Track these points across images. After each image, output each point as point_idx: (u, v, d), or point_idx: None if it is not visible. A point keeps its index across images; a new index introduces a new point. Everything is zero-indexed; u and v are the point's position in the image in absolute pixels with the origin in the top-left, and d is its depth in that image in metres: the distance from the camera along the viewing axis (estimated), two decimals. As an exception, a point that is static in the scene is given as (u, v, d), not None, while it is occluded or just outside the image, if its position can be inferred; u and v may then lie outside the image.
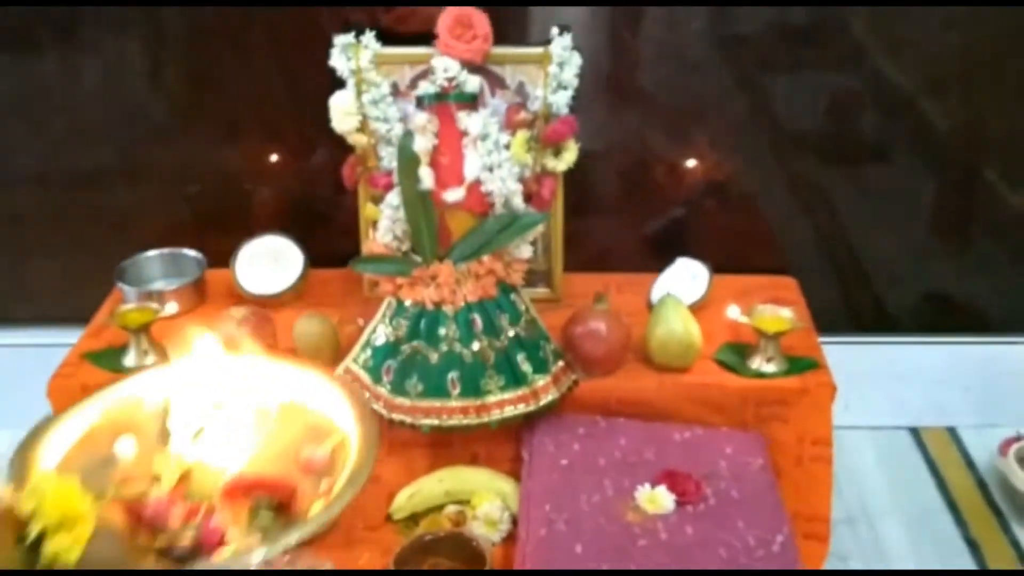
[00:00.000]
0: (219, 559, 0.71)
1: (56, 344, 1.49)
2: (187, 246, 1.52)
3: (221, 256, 1.47)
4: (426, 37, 1.30)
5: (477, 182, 1.21)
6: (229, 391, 0.84)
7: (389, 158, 1.30)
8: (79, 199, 1.60)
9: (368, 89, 1.29)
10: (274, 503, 0.78)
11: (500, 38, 1.30)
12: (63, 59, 1.50)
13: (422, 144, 1.19)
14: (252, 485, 0.78)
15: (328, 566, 1.18)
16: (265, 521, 0.76)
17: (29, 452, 0.73)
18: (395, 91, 1.32)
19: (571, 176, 1.34)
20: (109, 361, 1.31)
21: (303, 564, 1.18)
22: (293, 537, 0.69)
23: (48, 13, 1.46)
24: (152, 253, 1.50)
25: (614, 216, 1.55)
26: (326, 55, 1.30)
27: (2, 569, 0.57)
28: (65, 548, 0.57)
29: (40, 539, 0.58)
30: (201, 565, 0.70)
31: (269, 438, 0.83)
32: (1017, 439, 1.49)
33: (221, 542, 0.73)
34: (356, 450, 0.77)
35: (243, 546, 0.72)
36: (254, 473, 0.79)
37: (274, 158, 1.56)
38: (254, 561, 0.69)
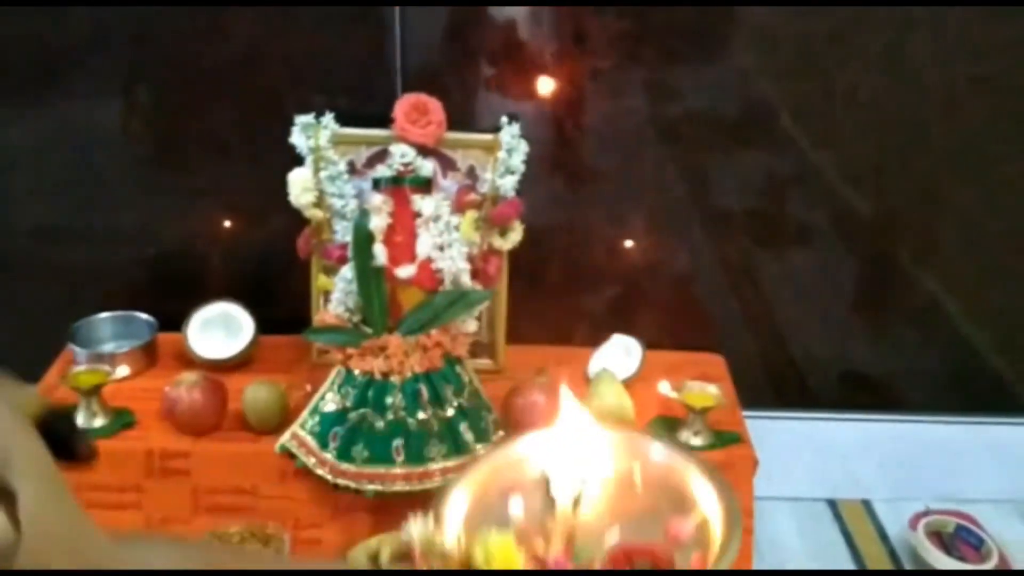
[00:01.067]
0: None
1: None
2: (139, 308, 1.55)
3: (171, 319, 1.50)
4: (383, 119, 1.38)
5: (428, 260, 1.28)
6: (600, 460, 0.89)
7: (343, 232, 1.37)
8: (32, 256, 1.62)
9: (326, 167, 1.36)
10: (653, 570, 0.81)
11: (453, 124, 1.38)
12: (28, 118, 1.53)
13: (377, 223, 1.26)
14: (634, 552, 0.81)
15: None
16: None
17: (442, 506, 0.78)
18: (351, 169, 1.39)
19: (515, 254, 1.42)
20: (58, 421, 1.33)
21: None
22: None
23: (13, 69, 1.50)
24: (104, 315, 1.53)
25: (554, 292, 1.62)
26: (286, 132, 1.37)
27: None
28: None
29: None
30: None
31: (637, 509, 0.87)
32: (926, 514, 1.59)
33: None
34: (721, 525, 0.81)
35: None
36: (637, 541, 0.83)
37: (229, 226, 1.61)
38: None
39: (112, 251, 1.61)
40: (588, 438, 0.88)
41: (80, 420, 1.33)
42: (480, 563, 0.65)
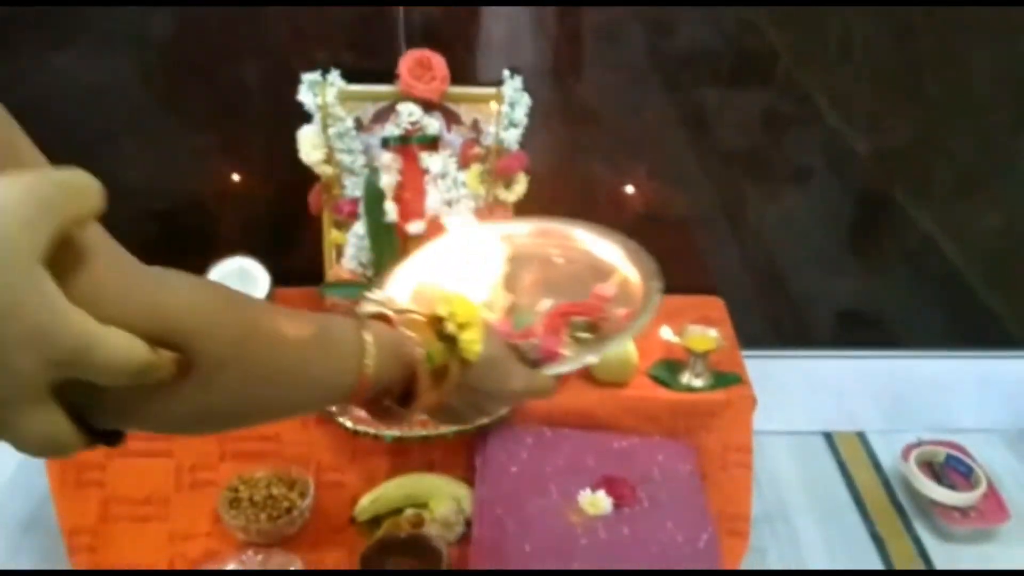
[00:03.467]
0: (565, 365, 0.84)
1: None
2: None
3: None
4: (388, 75, 1.41)
5: (437, 216, 1.33)
6: (516, 247, 0.99)
7: (352, 187, 1.41)
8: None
9: (333, 123, 1.40)
10: (588, 324, 0.89)
11: (456, 79, 1.41)
12: (34, 74, 1.55)
13: (387, 181, 1.30)
14: (568, 310, 0.90)
15: (297, 565, 1.30)
16: (585, 338, 0.88)
17: (386, 285, 0.91)
18: (359, 125, 1.42)
19: (519, 204, 1.46)
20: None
21: (275, 563, 1.29)
22: (613, 343, 0.85)
23: (18, 25, 1.51)
24: (124, 272, 1.57)
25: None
26: (290, 88, 1.40)
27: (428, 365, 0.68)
28: (474, 340, 0.69)
29: (453, 337, 0.69)
30: (551, 370, 0.82)
31: (563, 280, 0.96)
32: (918, 445, 1.66)
33: (557, 355, 0.85)
34: (641, 282, 0.91)
35: (576, 354, 0.85)
36: (568, 302, 0.92)
37: (239, 181, 1.64)
38: (588, 362, 0.86)
39: (124, 206, 1.63)
40: (507, 229, 0.99)
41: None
42: (444, 313, 0.70)
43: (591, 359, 0.86)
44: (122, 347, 0.43)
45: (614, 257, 0.97)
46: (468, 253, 0.96)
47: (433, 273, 0.95)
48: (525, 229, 1.02)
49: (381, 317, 0.68)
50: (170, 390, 0.47)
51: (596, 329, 0.89)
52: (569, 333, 0.88)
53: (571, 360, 0.84)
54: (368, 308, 0.70)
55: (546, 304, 0.92)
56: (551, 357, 0.84)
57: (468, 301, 0.72)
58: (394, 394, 0.68)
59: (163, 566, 1.32)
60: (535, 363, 0.83)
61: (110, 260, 0.46)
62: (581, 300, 0.92)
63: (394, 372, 0.65)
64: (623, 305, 0.90)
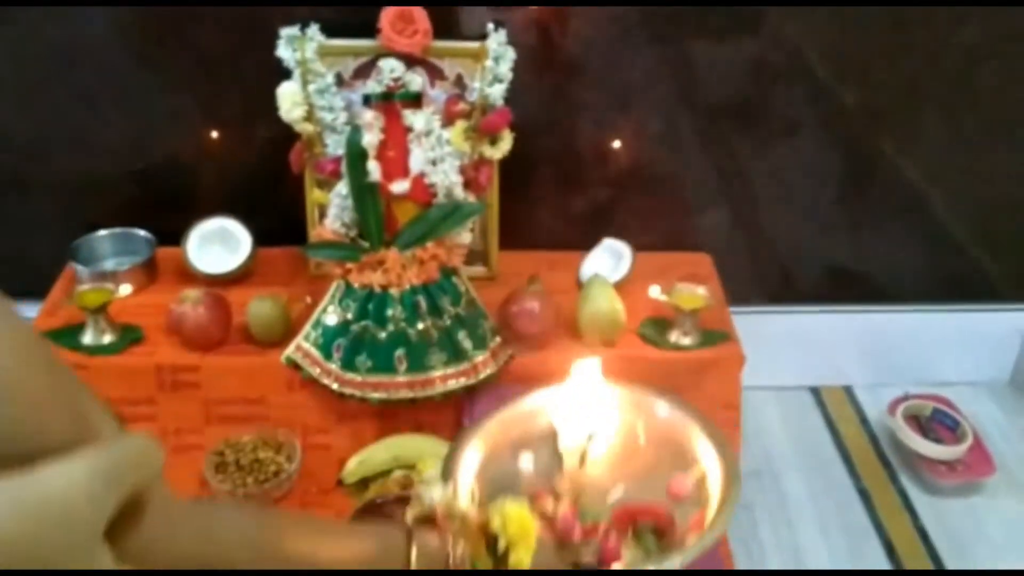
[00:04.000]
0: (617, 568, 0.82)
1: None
2: (132, 223, 1.57)
3: (164, 234, 1.53)
4: (369, 30, 1.37)
5: (421, 175, 1.30)
6: (605, 416, 0.92)
7: (334, 145, 1.38)
8: (24, 173, 1.62)
9: (313, 80, 1.36)
10: (654, 528, 0.87)
11: (439, 33, 1.38)
12: (5, 35, 1.51)
13: (369, 139, 1.27)
14: (637, 511, 0.87)
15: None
16: (649, 544, 0.85)
17: (453, 464, 0.83)
18: (339, 81, 1.38)
19: (504, 161, 1.44)
20: (68, 339, 1.37)
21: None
22: (676, 561, 0.77)
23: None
24: (103, 232, 1.55)
25: (545, 198, 1.65)
26: (267, 43, 1.36)
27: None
28: (521, 561, 0.70)
29: (503, 551, 0.71)
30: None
31: (640, 465, 0.90)
32: (904, 399, 1.66)
33: (615, 558, 0.82)
34: (721, 483, 0.84)
35: (634, 561, 0.82)
36: (639, 500, 0.87)
37: (218, 139, 1.61)
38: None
39: (101, 167, 1.61)
40: (595, 394, 0.93)
41: (88, 338, 1.37)
42: (497, 528, 0.72)
43: (648, 569, 0.81)
44: None
45: (698, 442, 0.90)
46: (563, 415, 0.92)
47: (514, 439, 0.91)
48: (614, 396, 0.96)
49: (431, 519, 0.71)
50: None
51: (662, 535, 0.85)
52: (633, 535, 0.85)
53: (626, 567, 0.82)
54: (418, 510, 0.72)
55: (618, 493, 0.88)
56: (609, 559, 0.82)
57: (524, 514, 0.72)
58: None
59: (150, 531, 1.31)
60: (588, 564, 0.82)
61: (158, 507, 0.48)
62: (654, 498, 0.87)
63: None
64: (697, 504, 0.86)
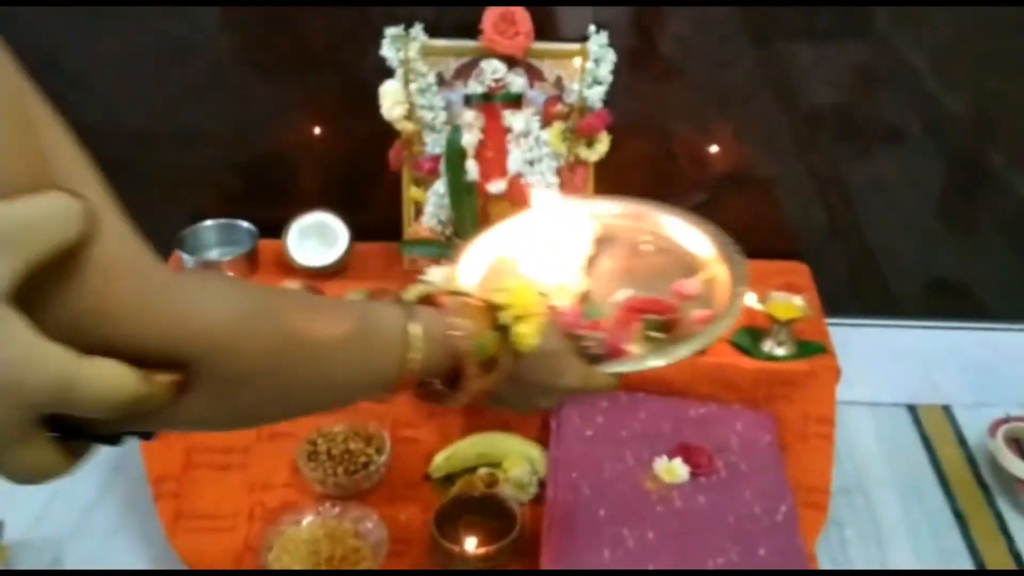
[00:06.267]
0: (628, 364, 0.81)
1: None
2: (233, 214, 1.61)
3: (264, 225, 1.57)
4: (471, 30, 1.38)
5: (518, 175, 1.31)
6: (604, 228, 0.94)
7: (433, 144, 1.40)
8: (132, 161, 1.68)
9: (415, 79, 1.38)
10: (661, 323, 0.86)
11: (538, 34, 1.38)
12: (120, 29, 1.57)
13: (469, 139, 1.29)
14: (642, 306, 0.87)
15: (373, 519, 1.31)
16: (656, 337, 0.85)
17: (457, 258, 0.86)
18: (440, 81, 1.40)
19: (599, 162, 1.43)
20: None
21: (351, 516, 1.31)
22: (685, 350, 0.79)
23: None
24: (208, 223, 1.60)
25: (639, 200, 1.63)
26: (376, 44, 1.38)
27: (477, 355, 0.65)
28: (528, 334, 0.67)
29: (507, 327, 0.67)
30: (611, 367, 0.80)
31: (647, 270, 0.92)
32: (1006, 420, 1.60)
33: (622, 352, 0.82)
34: (729, 284, 0.86)
35: (643, 355, 0.82)
36: (644, 297, 0.88)
37: (319, 134, 1.64)
38: (650, 365, 0.81)
39: (207, 158, 1.66)
40: (597, 207, 0.93)
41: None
42: (502, 302, 0.67)
43: (657, 363, 0.80)
44: (107, 381, 0.41)
45: (706, 252, 0.92)
46: (555, 229, 0.92)
47: (516, 247, 0.92)
48: (616, 209, 0.97)
49: (431, 300, 0.66)
50: (175, 407, 0.46)
51: (669, 329, 0.85)
52: (641, 330, 0.84)
53: (636, 360, 0.80)
54: (418, 290, 0.67)
55: (623, 294, 0.88)
56: (616, 354, 0.81)
57: (530, 290, 0.69)
58: (442, 378, 0.66)
59: (244, 514, 1.35)
60: (598, 358, 0.80)
61: (130, 272, 0.44)
62: (659, 296, 0.88)
63: (442, 361, 0.63)
64: (704, 306, 0.86)
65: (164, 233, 1.57)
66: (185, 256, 1.51)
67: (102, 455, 1.63)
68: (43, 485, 0.45)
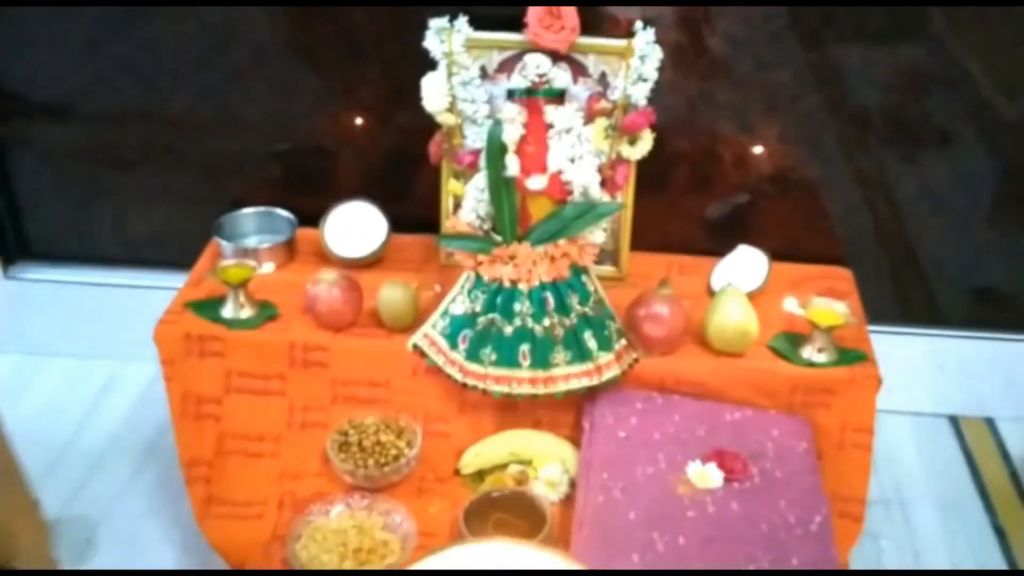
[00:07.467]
0: None
1: (151, 286, 1.62)
2: (273, 202, 1.61)
3: (301, 214, 1.57)
4: (516, 24, 1.37)
5: (559, 172, 1.30)
6: None
7: (474, 137, 1.39)
8: (175, 148, 1.70)
9: (458, 71, 1.37)
10: None
11: (583, 28, 1.36)
12: (168, 18, 1.58)
13: (510, 134, 1.27)
14: None
15: (402, 512, 1.31)
16: None
17: None
18: (483, 74, 1.39)
19: (641, 160, 1.41)
20: (209, 311, 1.42)
21: (380, 508, 1.31)
22: None
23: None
24: (248, 211, 1.60)
25: (680, 200, 1.61)
26: (419, 36, 1.38)
27: None
28: None
29: None
30: None
31: None
32: (1051, 435, 1.56)
33: None
34: None
35: None
36: None
37: (360, 124, 1.64)
38: None
39: (248, 146, 1.67)
40: None
41: (228, 312, 1.41)
42: None
43: None
44: None
45: None
46: None
47: None
48: None
49: None
50: None
51: None
52: None
53: None
54: None
55: None
56: None
57: None
58: None
59: (274, 502, 1.35)
60: None
61: None
62: None
63: None
64: None
65: (203, 219, 1.57)
66: (223, 243, 1.52)
67: (135, 437, 1.66)
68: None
